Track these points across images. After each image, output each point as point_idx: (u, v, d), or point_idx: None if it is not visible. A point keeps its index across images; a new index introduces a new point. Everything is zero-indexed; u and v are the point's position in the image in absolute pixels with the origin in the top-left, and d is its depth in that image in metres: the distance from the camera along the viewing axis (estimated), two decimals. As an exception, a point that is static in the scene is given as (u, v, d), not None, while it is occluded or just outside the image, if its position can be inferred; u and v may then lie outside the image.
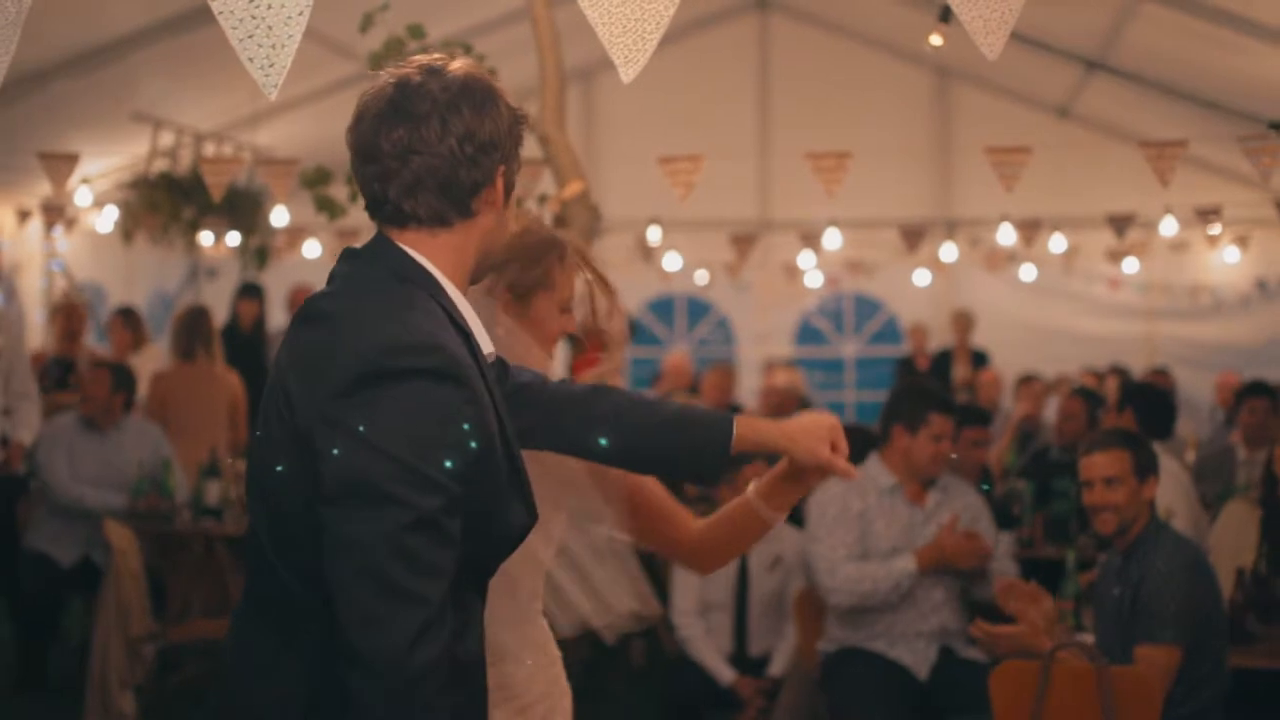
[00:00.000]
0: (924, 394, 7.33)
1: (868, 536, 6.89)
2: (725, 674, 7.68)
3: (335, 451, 2.72)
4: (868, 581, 6.74)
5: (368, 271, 2.94)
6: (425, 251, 2.94)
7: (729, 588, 7.81)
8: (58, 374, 10.52)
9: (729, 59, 16.11)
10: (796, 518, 8.02)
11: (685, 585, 7.83)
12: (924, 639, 6.85)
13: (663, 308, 18.34)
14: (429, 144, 2.87)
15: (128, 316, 12.01)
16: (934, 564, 6.78)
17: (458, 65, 2.97)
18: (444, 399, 2.77)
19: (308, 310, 2.94)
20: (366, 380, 2.73)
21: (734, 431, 3.37)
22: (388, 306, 2.84)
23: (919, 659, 6.83)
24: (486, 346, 3.01)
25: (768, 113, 16.26)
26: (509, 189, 3.01)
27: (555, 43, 6.34)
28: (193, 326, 10.79)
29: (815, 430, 3.43)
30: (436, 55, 2.99)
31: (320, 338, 2.84)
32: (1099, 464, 5.82)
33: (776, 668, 7.73)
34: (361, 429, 2.71)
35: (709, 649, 7.75)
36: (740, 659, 7.80)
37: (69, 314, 11.69)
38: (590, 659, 8.94)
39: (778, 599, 7.84)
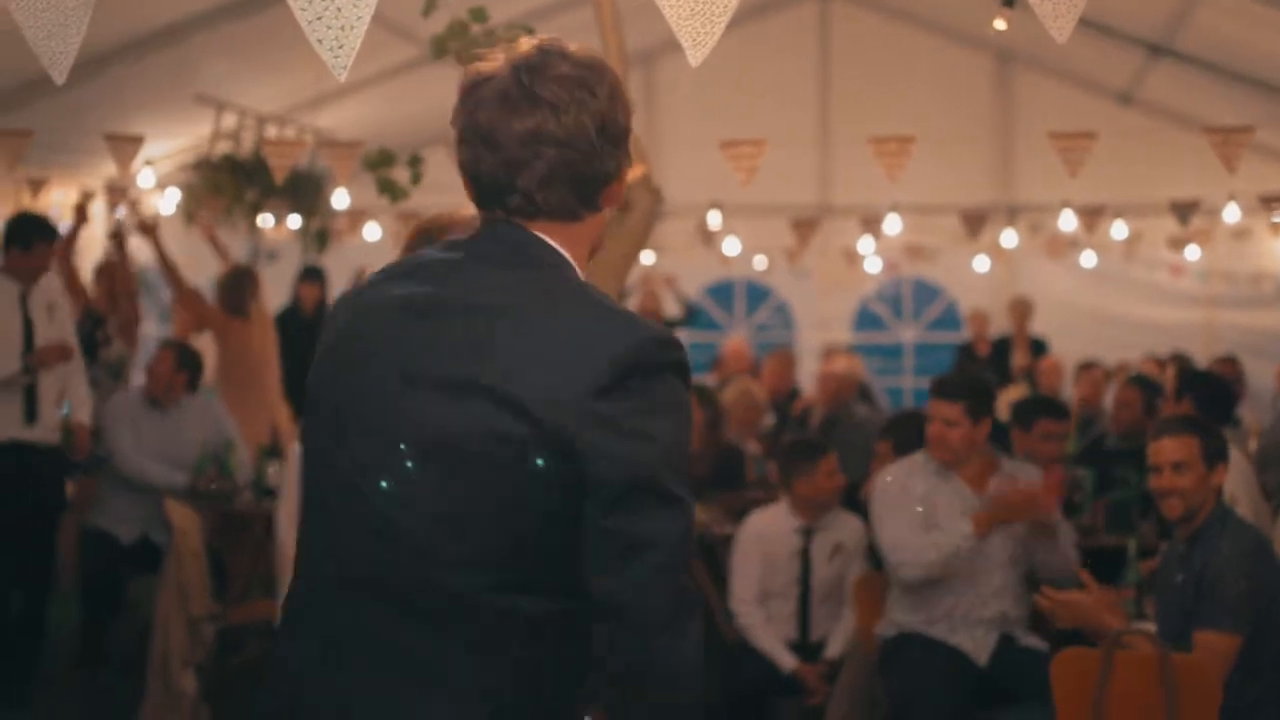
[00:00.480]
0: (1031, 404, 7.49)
1: (931, 516, 6.88)
2: (787, 661, 7.68)
3: (619, 450, 2.62)
4: (931, 550, 6.72)
5: (526, 263, 2.80)
6: (556, 244, 2.82)
7: (791, 577, 7.82)
8: (88, 328, 10.54)
9: (790, 43, 16.06)
10: (856, 505, 8.04)
11: (745, 574, 7.84)
12: (984, 625, 6.84)
13: (722, 293, 18.36)
14: (565, 135, 2.75)
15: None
16: (991, 522, 6.75)
17: (577, 47, 2.85)
18: (686, 394, 2.74)
19: (476, 304, 2.75)
20: (633, 374, 2.63)
21: None
22: (601, 300, 2.75)
23: (979, 645, 6.82)
24: None
25: (828, 97, 16.21)
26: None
27: (618, 25, 6.33)
28: (241, 283, 10.97)
29: None
30: (544, 37, 2.88)
31: (545, 334, 2.68)
32: (1167, 449, 5.81)
33: (833, 649, 7.73)
34: (643, 426, 2.63)
35: (770, 636, 7.76)
36: (803, 646, 7.81)
37: (110, 274, 11.78)
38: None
39: (837, 586, 7.85)
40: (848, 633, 7.72)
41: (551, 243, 2.81)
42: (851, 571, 7.80)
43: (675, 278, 16.15)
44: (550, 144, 2.74)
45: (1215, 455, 5.82)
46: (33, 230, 8.88)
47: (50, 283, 8.94)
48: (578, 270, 2.82)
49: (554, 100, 2.75)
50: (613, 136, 2.80)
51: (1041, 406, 8.51)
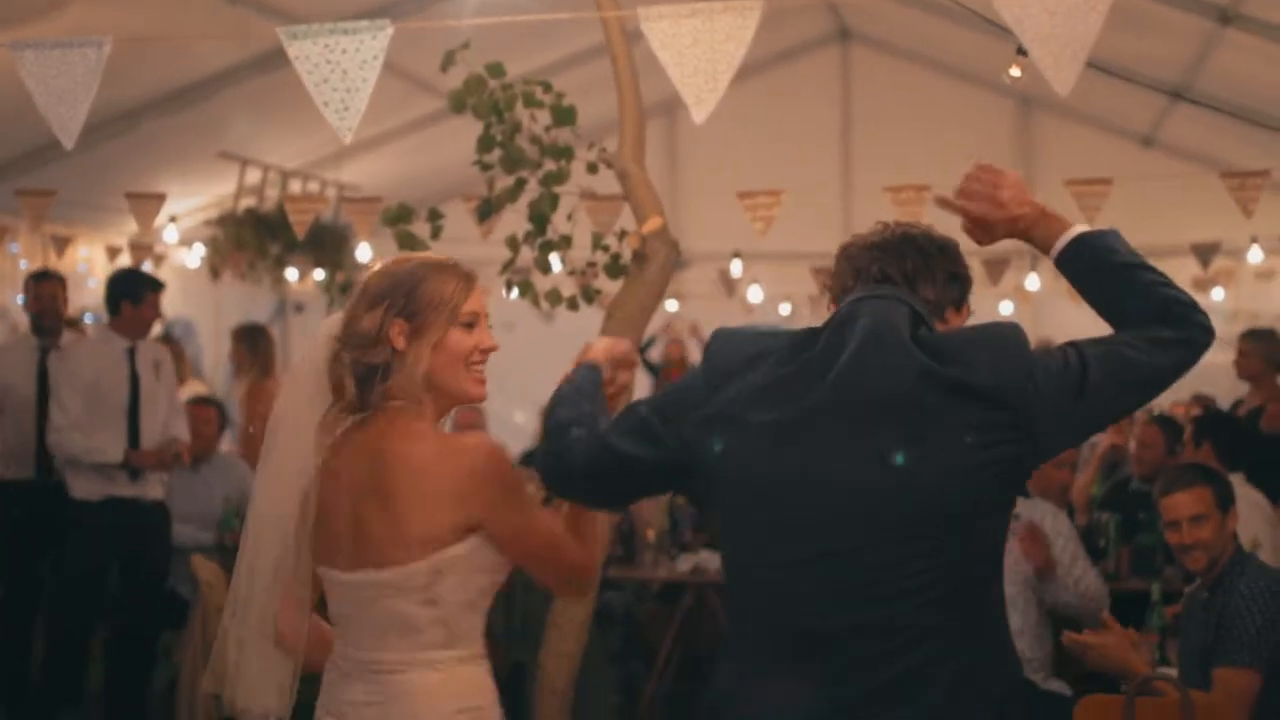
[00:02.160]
0: None
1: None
2: None
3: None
4: None
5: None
6: None
7: None
8: None
9: (811, 91, 16.10)
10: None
11: None
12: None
13: (747, 341, 18.33)
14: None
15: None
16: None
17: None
18: None
19: (940, 350, 3.34)
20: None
21: None
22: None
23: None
24: None
25: (849, 144, 16.24)
26: None
27: (634, 78, 6.35)
28: (262, 342, 11.03)
29: None
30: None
31: (996, 351, 3.34)
32: (1183, 503, 5.80)
33: None
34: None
35: None
36: None
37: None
38: (669, 695, 8.97)
39: None
40: None
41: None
42: None
43: (698, 324, 16.16)
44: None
45: (1227, 500, 5.82)
46: (140, 283, 9.05)
47: (155, 341, 9.16)
48: None
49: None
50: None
51: None
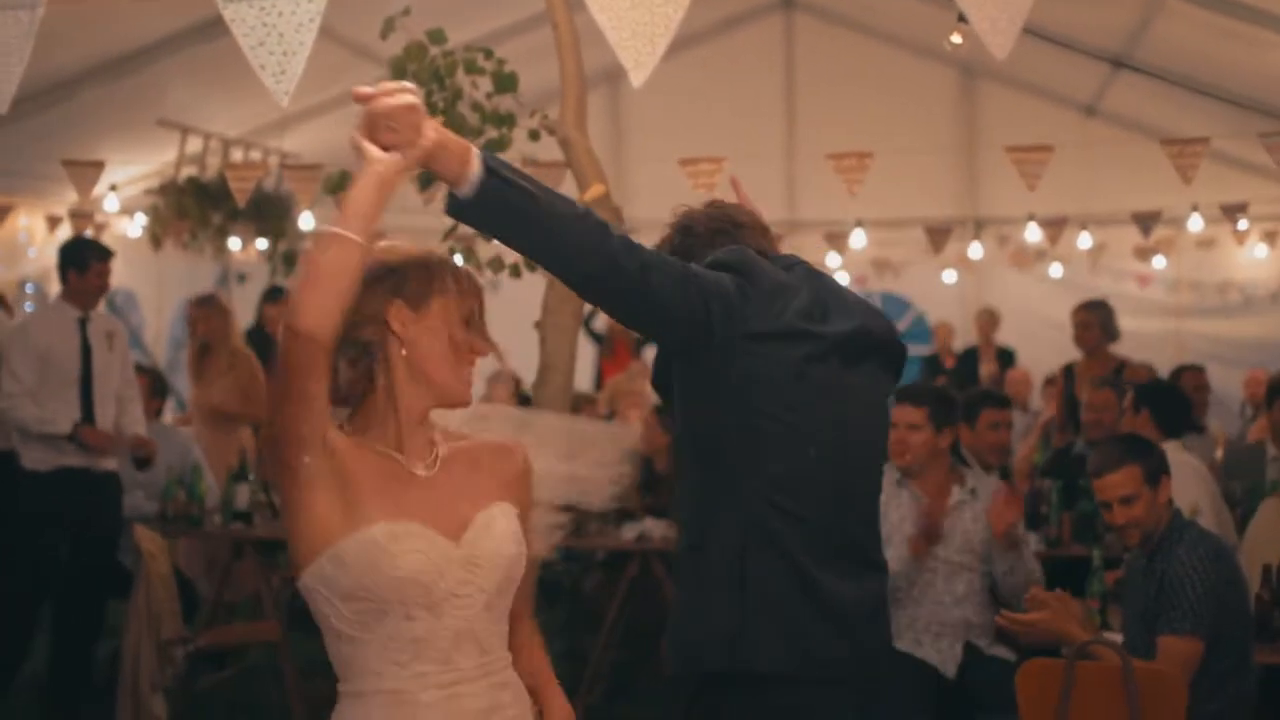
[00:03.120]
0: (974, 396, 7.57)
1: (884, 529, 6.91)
2: None
3: None
4: None
5: None
6: None
7: None
8: None
9: (754, 59, 16.07)
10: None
11: None
12: (948, 634, 6.83)
13: (690, 309, 18.33)
14: None
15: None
16: (924, 542, 6.80)
17: None
18: None
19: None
20: None
21: None
22: None
23: (945, 657, 6.81)
24: None
25: (793, 112, 16.23)
26: None
27: (576, 46, 6.32)
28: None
29: None
30: None
31: None
32: (1112, 484, 5.85)
33: None
34: None
35: None
36: None
37: None
38: (616, 664, 8.97)
39: None
40: None
41: None
42: None
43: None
44: None
45: (1157, 473, 5.85)
46: (86, 252, 9.04)
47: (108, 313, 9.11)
48: None
49: None
50: None
51: (982, 398, 8.53)
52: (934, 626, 6.84)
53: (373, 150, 2.95)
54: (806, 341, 3.94)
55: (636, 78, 3.10)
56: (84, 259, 8.93)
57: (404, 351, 3.17)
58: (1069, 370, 10.71)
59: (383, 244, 3.23)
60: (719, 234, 4.21)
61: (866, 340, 4.07)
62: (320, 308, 2.89)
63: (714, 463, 3.96)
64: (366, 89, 2.92)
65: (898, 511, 6.93)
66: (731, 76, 15.52)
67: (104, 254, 9.02)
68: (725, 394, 3.91)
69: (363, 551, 3.06)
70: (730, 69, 15.43)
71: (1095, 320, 10.31)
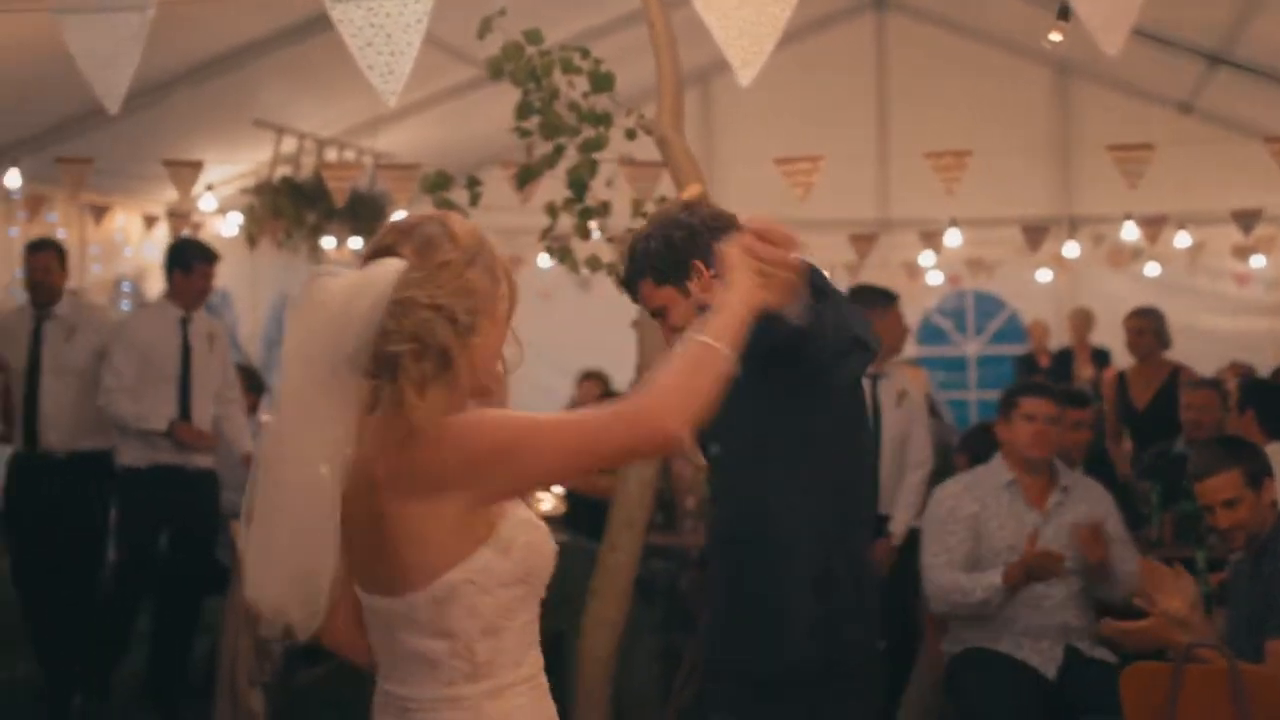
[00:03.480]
0: (1014, 385, 7.49)
1: (983, 539, 6.85)
2: None
3: None
4: (957, 593, 6.72)
5: None
6: None
7: None
8: None
9: (846, 59, 15.99)
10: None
11: None
12: (1049, 638, 6.77)
13: (780, 309, 18.27)
14: None
15: None
16: (1019, 579, 6.71)
17: None
18: None
19: None
20: None
21: None
22: None
23: (1046, 659, 6.76)
24: None
25: (886, 111, 16.13)
26: None
27: (672, 45, 6.31)
28: None
29: None
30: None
31: None
32: (1213, 488, 5.79)
33: (896, 533, 8.02)
34: None
35: None
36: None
37: None
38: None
39: (904, 439, 7.97)
40: (914, 505, 7.83)
41: None
42: (917, 425, 7.91)
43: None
44: None
45: (1259, 475, 5.79)
46: (191, 253, 9.11)
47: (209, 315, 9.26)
48: None
49: None
50: None
51: (1065, 397, 8.45)
52: (1034, 630, 6.78)
53: (750, 283, 3.02)
54: (866, 352, 4.27)
55: (744, 76, 3.09)
56: (189, 260, 9.02)
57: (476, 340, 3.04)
58: (1121, 377, 10.67)
59: (457, 219, 3.13)
60: (718, 229, 4.12)
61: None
62: (694, 418, 2.85)
63: (793, 463, 4.11)
64: (769, 223, 3.05)
65: (998, 518, 6.87)
66: (823, 76, 15.45)
67: (209, 256, 9.11)
68: (822, 398, 4.26)
69: (522, 532, 3.03)
70: (822, 68, 15.35)
71: (1149, 327, 10.35)
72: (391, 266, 2.96)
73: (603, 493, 7.64)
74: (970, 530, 6.85)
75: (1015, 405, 6.99)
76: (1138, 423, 10.26)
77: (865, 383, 8.01)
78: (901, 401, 8.16)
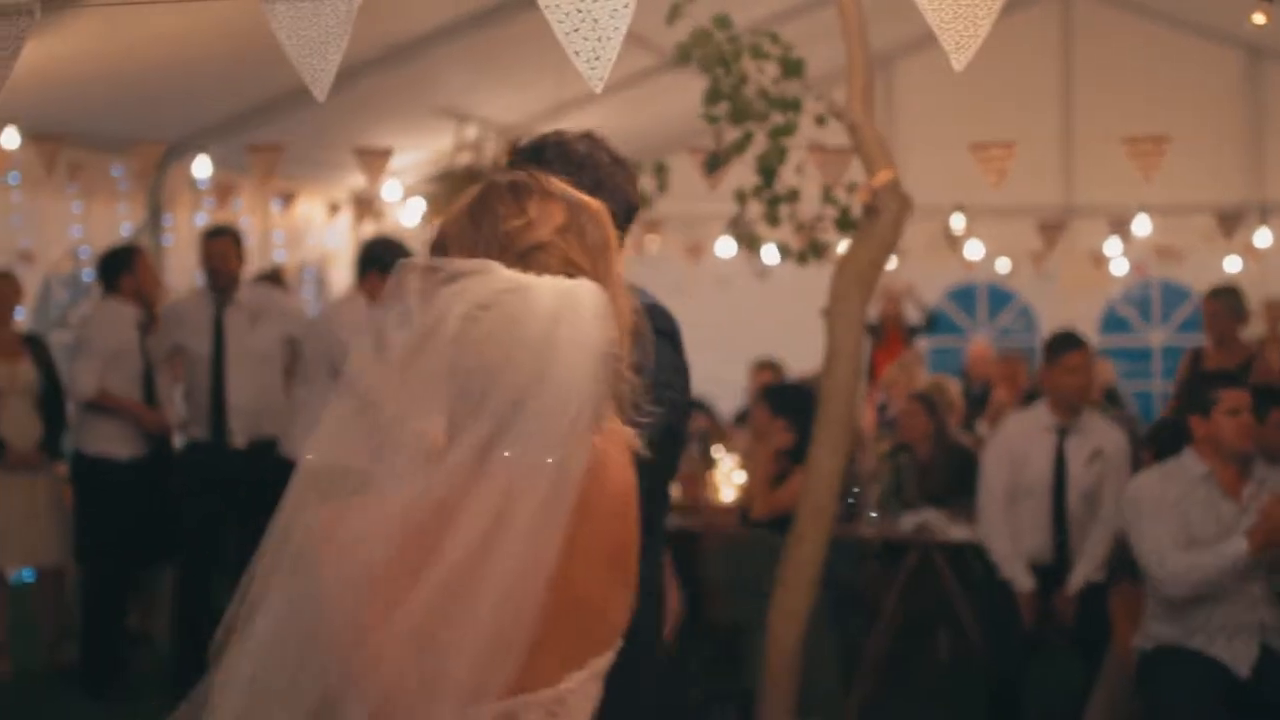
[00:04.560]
0: (1207, 377, 7.28)
1: (1189, 526, 6.69)
2: (1023, 582, 7.76)
3: None
4: (1198, 571, 6.52)
5: None
6: None
7: (1042, 477, 7.83)
8: None
9: (1031, 44, 15.79)
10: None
11: (992, 474, 8.01)
12: (1244, 635, 6.61)
13: (964, 296, 18.12)
14: None
15: None
16: (1267, 540, 6.52)
17: None
18: None
19: None
20: None
21: None
22: None
23: (1239, 656, 6.59)
24: None
25: (1071, 97, 15.94)
26: None
27: (863, 30, 6.24)
28: None
29: None
30: None
31: None
32: None
33: (1075, 581, 7.79)
34: None
35: (1009, 546, 7.87)
36: (1057, 562, 7.90)
37: None
38: (892, 655, 8.89)
39: (1094, 495, 7.83)
40: (1093, 559, 7.66)
41: None
42: (1110, 482, 7.74)
43: (914, 285, 15.92)
44: None
45: None
46: (393, 253, 8.66)
47: None
48: None
49: None
50: None
51: (1273, 396, 8.22)
52: (1229, 627, 6.61)
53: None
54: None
55: (958, 61, 3.00)
56: (391, 260, 8.79)
57: None
58: (1196, 355, 10.31)
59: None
60: (619, 168, 3.86)
61: None
62: None
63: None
64: None
65: (1196, 509, 6.71)
66: (1007, 61, 15.22)
67: (410, 256, 8.91)
68: None
69: None
70: (1006, 53, 15.12)
71: (1223, 309, 9.96)
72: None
73: (784, 509, 7.57)
74: (1176, 515, 6.69)
75: (1215, 400, 6.79)
76: None
77: (1051, 436, 7.95)
78: (1094, 461, 7.95)
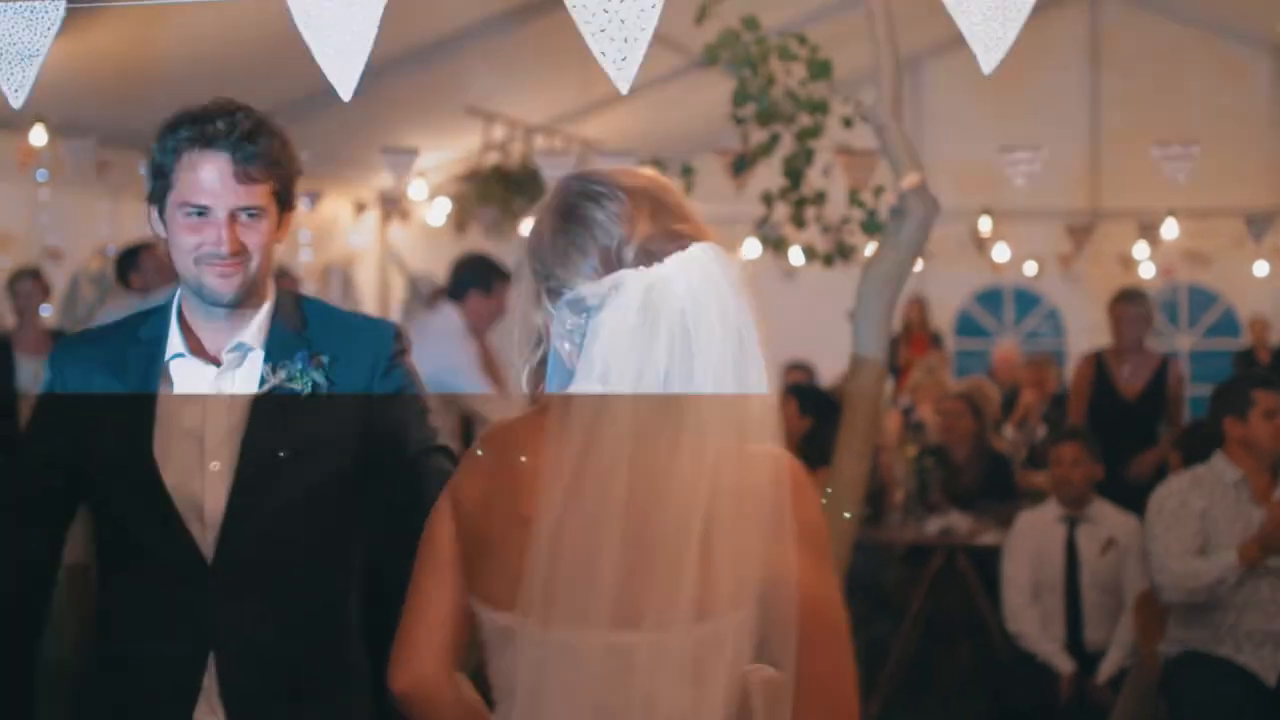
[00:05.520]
0: (1243, 378, 7.22)
1: (1212, 535, 6.65)
2: (1064, 664, 7.65)
3: None
4: (1190, 578, 6.51)
5: None
6: None
7: (1057, 570, 7.77)
8: None
9: (1059, 46, 15.79)
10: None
11: (1014, 573, 7.83)
12: (1271, 642, 6.58)
13: (991, 299, 18.08)
14: None
15: None
16: (1259, 552, 6.48)
17: None
18: None
19: None
20: None
21: None
22: None
23: (1266, 664, 6.56)
24: None
25: (1098, 100, 15.92)
26: None
27: (891, 31, 6.21)
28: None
29: None
30: None
31: None
32: None
33: (1104, 672, 7.62)
34: None
35: (1045, 639, 7.73)
36: (1074, 648, 7.78)
37: None
38: (916, 658, 8.88)
39: (1114, 586, 7.74)
40: (1124, 645, 7.58)
41: None
42: (1130, 572, 7.65)
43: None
44: None
45: None
46: (495, 272, 8.22)
47: None
48: None
49: None
50: None
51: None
52: (1257, 634, 6.58)
53: None
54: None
55: (987, 63, 2.99)
56: (489, 279, 8.17)
57: None
58: (1099, 358, 10.12)
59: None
60: None
61: None
62: None
63: None
64: None
65: (1225, 517, 6.67)
66: (1034, 64, 15.23)
67: (507, 275, 8.30)
68: None
69: None
70: (1034, 56, 15.11)
71: (1135, 314, 9.77)
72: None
73: None
74: (1198, 525, 6.65)
75: (1252, 402, 6.73)
76: None
77: (1061, 525, 7.92)
78: (1107, 551, 7.89)
